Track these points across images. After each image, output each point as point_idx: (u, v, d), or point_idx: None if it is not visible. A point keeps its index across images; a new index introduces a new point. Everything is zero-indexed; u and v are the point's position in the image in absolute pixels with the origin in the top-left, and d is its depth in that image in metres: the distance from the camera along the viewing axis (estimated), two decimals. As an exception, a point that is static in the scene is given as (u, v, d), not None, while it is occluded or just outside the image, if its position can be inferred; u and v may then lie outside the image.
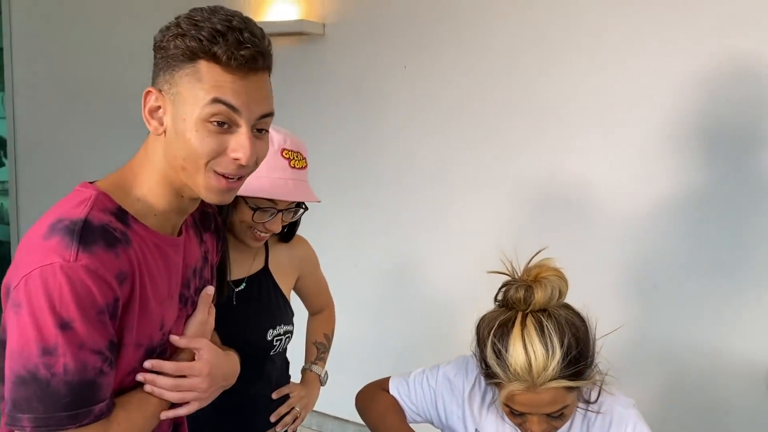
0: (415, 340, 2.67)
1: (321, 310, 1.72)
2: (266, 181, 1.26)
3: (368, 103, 2.72)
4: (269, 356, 1.44)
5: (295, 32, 2.74)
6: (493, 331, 1.14)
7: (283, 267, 1.48)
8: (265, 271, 1.45)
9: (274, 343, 1.43)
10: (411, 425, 1.36)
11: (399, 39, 2.62)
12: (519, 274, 1.18)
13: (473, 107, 2.52)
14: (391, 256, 2.77)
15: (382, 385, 1.42)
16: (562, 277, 1.16)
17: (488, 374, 1.15)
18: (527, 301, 1.14)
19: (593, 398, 1.21)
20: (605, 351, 1.20)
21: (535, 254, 1.19)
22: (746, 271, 2.08)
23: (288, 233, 1.49)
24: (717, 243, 2.15)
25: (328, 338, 1.71)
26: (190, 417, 1.31)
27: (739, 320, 2.11)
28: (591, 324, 1.18)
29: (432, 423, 1.37)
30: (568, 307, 1.18)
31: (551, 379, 1.08)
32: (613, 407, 1.23)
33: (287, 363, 1.58)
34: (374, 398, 1.40)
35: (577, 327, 1.13)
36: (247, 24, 0.90)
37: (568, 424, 1.24)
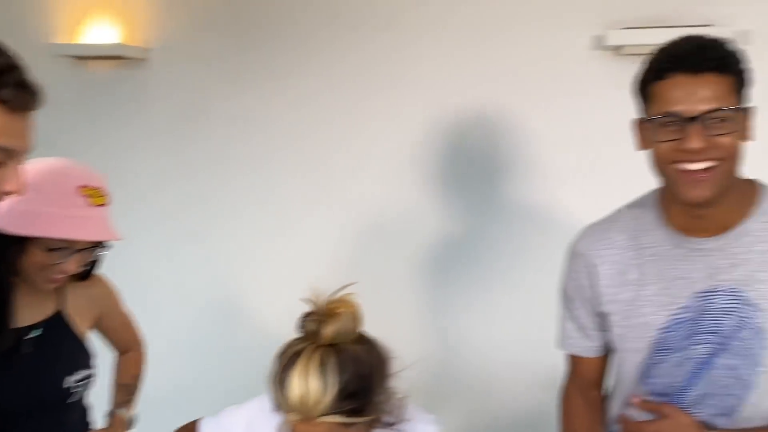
0: (241, 381, 2.58)
1: (128, 349, 1.63)
2: (61, 220, 1.19)
3: (193, 130, 2.63)
4: (66, 405, 1.34)
5: (115, 56, 2.61)
6: (282, 361, 1.14)
7: (80, 308, 1.40)
8: (59, 315, 1.36)
9: (72, 391, 1.33)
10: None
11: (226, 66, 2.57)
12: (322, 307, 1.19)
13: (301, 136, 2.52)
14: (218, 289, 2.67)
15: (190, 428, 1.37)
16: (355, 314, 1.17)
17: (274, 401, 1.15)
18: (317, 335, 1.14)
19: (395, 419, 1.23)
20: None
21: (340, 288, 1.19)
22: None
23: (86, 272, 1.40)
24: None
25: (137, 379, 1.62)
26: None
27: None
28: (387, 359, 1.21)
29: None
30: (364, 341, 1.19)
31: (324, 414, 1.09)
32: (415, 426, 1.26)
33: (85, 409, 1.47)
34: None
35: (364, 364, 1.15)
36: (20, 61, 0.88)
37: None
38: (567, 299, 1.34)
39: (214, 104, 2.60)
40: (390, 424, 1.24)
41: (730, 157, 1.06)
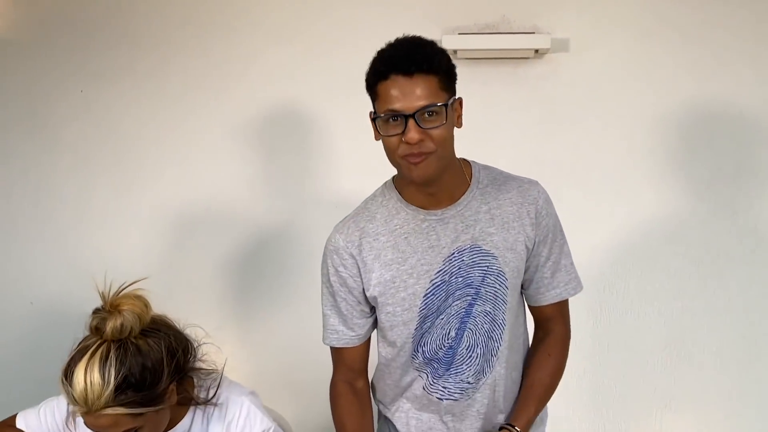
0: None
1: None
2: None
3: (41, 125, 2.56)
4: None
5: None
6: (72, 356, 1.19)
7: None
8: None
9: None
10: None
11: (74, 61, 2.52)
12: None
13: (149, 135, 2.51)
14: (72, 291, 2.61)
15: (7, 422, 1.38)
16: (139, 310, 1.22)
17: (64, 394, 1.19)
18: (100, 331, 1.19)
19: (210, 395, 1.31)
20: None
21: (129, 284, 1.24)
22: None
23: None
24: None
25: None
26: None
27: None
28: (183, 347, 1.28)
29: None
30: (152, 334, 1.23)
31: (105, 407, 1.15)
32: (228, 397, 1.34)
33: None
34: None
35: (149, 356, 1.20)
36: None
37: (189, 419, 1.32)
38: (330, 295, 1.41)
39: (65, 102, 2.55)
40: (205, 401, 1.31)
41: (442, 145, 1.23)
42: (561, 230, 1.42)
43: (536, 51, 2.23)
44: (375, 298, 1.37)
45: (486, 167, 1.41)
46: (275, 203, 2.48)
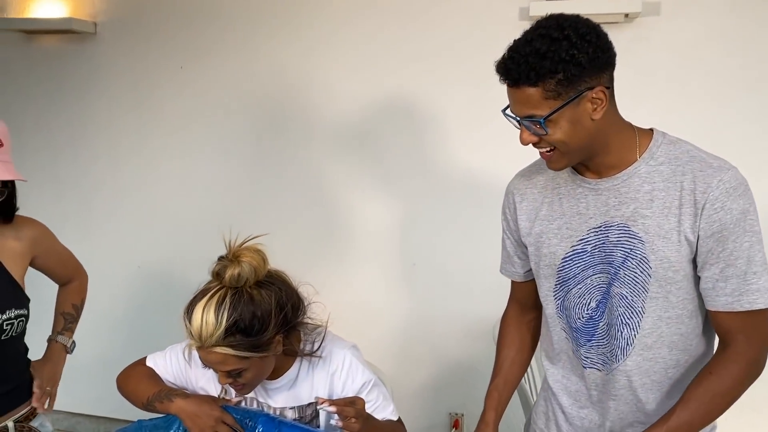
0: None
1: (69, 280, 1.74)
2: None
3: (144, 102, 2.73)
4: (1, 341, 1.44)
5: (64, 30, 2.68)
6: (194, 295, 1.32)
7: (10, 250, 1.48)
8: None
9: (4, 328, 1.43)
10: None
11: (174, 39, 2.66)
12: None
13: (249, 107, 2.63)
14: (177, 257, 2.80)
15: (139, 362, 1.55)
16: (256, 261, 1.32)
17: (185, 328, 1.32)
18: (220, 276, 1.31)
19: (315, 348, 1.42)
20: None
21: (252, 237, 1.34)
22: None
23: (5, 212, 1.47)
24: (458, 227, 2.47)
25: (77, 308, 1.74)
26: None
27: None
28: (294, 302, 1.37)
29: (186, 389, 1.51)
30: (266, 286, 1.33)
31: (215, 345, 1.27)
32: (332, 350, 1.45)
33: (23, 349, 1.58)
34: (131, 372, 1.53)
35: (259, 307, 1.30)
36: None
37: (296, 369, 1.43)
38: (502, 231, 1.51)
39: (166, 79, 2.69)
40: (310, 354, 1.42)
41: (560, 143, 1.22)
42: (748, 230, 1.22)
43: (626, 15, 2.21)
44: (525, 246, 1.43)
45: (675, 142, 1.28)
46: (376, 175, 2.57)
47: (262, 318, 1.30)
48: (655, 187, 1.25)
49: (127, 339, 2.89)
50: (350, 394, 1.41)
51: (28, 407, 1.54)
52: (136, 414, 2.69)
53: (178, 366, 1.50)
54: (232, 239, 1.33)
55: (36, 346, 1.66)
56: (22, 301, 1.50)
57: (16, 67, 2.78)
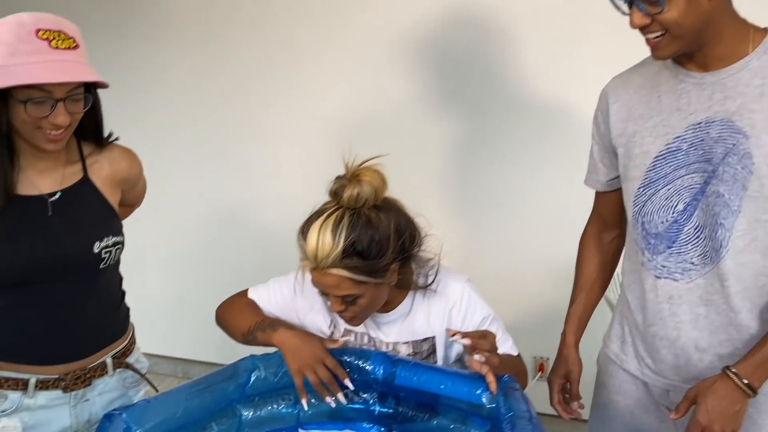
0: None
1: (129, 206, 1.61)
2: (23, 68, 1.15)
3: (215, 30, 2.68)
4: (98, 270, 1.36)
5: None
6: (310, 215, 1.27)
7: (106, 177, 1.40)
8: (85, 181, 1.36)
9: (103, 256, 1.35)
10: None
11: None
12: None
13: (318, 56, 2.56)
14: (249, 192, 2.78)
15: (241, 293, 1.51)
16: (376, 183, 1.26)
17: (299, 248, 1.27)
18: (338, 196, 1.25)
19: (429, 281, 1.37)
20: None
21: (373, 157, 1.28)
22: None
23: (96, 133, 1.38)
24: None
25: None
26: (24, 335, 1.31)
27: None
28: (410, 230, 1.31)
29: (292, 322, 1.46)
30: (385, 209, 1.28)
31: (331, 266, 1.22)
32: (448, 283, 1.39)
33: (119, 278, 1.50)
34: (232, 303, 1.49)
35: (379, 229, 1.24)
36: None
37: (408, 302, 1.39)
38: (592, 137, 1.45)
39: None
40: (424, 287, 1.37)
41: (675, 26, 1.14)
42: None
43: None
44: (615, 149, 1.37)
45: None
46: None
47: (380, 242, 1.23)
48: (766, 82, 1.18)
49: (200, 278, 2.91)
50: (470, 329, 1.36)
51: (126, 341, 1.47)
52: (213, 355, 2.73)
53: (283, 297, 1.45)
54: (349, 159, 1.26)
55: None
56: (119, 227, 1.41)
57: (84, 11, 2.76)
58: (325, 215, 1.24)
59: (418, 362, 1.33)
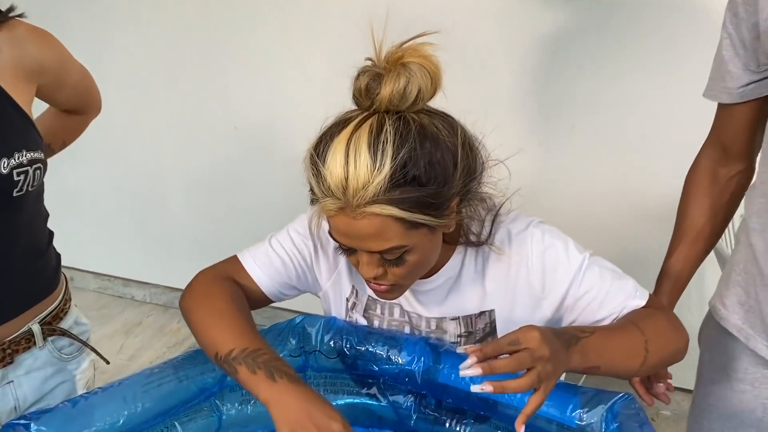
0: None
1: (77, 112, 1.22)
2: None
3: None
4: (13, 199, 0.95)
5: None
6: (324, 131, 0.83)
7: (7, 67, 0.97)
8: None
9: (16, 178, 0.94)
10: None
11: None
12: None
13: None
14: (278, 117, 2.41)
15: (224, 268, 1.01)
16: (429, 70, 0.81)
17: (309, 185, 0.84)
18: (371, 95, 0.81)
19: (485, 234, 0.93)
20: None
21: (415, 36, 0.82)
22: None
23: None
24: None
25: (63, 146, 1.24)
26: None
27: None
28: (474, 150, 0.87)
29: (299, 289, 1.05)
30: (438, 115, 0.85)
31: (371, 201, 0.78)
32: (513, 235, 0.95)
33: (46, 215, 1.10)
34: (206, 293, 0.96)
35: (437, 143, 0.81)
36: None
37: (457, 263, 0.96)
38: (723, 27, 1.04)
39: None
40: (477, 242, 0.94)
41: None
42: None
43: None
44: (760, 37, 0.96)
45: None
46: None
47: (444, 162, 0.80)
48: None
49: (225, 209, 2.60)
50: (556, 298, 0.93)
51: (58, 300, 1.09)
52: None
53: (294, 261, 1.01)
54: (378, 47, 0.81)
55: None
56: (36, 140, 0.99)
57: None
58: (352, 125, 0.80)
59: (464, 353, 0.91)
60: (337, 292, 1.04)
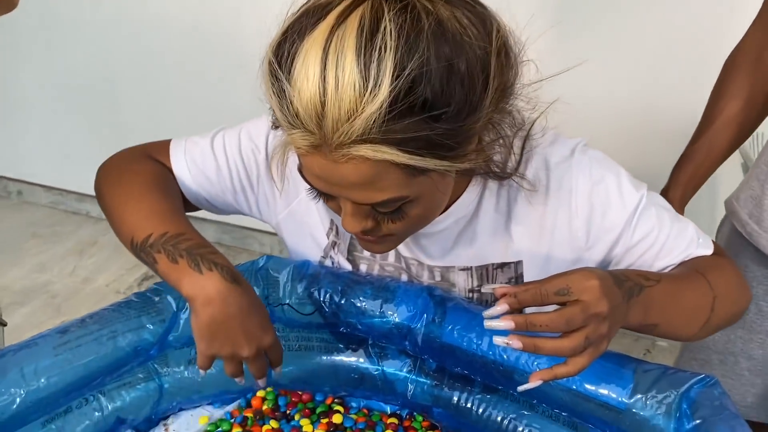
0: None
1: None
2: None
3: None
4: None
5: None
6: (290, 22, 0.56)
7: None
8: None
9: None
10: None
11: None
12: None
13: None
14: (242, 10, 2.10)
15: (150, 151, 0.81)
16: None
17: (272, 109, 0.58)
18: None
19: (512, 163, 0.69)
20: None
21: None
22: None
23: None
24: None
25: None
26: None
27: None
28: (512, 59, 0.60)
29: (236, 207, 0.83)
30: (462, 3, 0.57)
31: (360, 140, 0.53)
32: (552, 163, 0.72)
33: None
34: (128, 166, 0.78)
35: (461, 50, 0.55)
36: None
37: (473, 197, 0.73)
38: None
39: None
40: (501, 174, 0.69)
41: None
42: None
43: None
44: None
45: None
46: None
47: (471, 79, 0.55)
48: None
49: (184, 115, 2.27)
50: (603, 248, 0.72)
51: None
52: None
53: (232, 172, 0.78)
54: None
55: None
56: None
57: None
58: (333, 16, 0.53)
59: (476, 309, 0.72)
60: (299, 225, 0.81)
